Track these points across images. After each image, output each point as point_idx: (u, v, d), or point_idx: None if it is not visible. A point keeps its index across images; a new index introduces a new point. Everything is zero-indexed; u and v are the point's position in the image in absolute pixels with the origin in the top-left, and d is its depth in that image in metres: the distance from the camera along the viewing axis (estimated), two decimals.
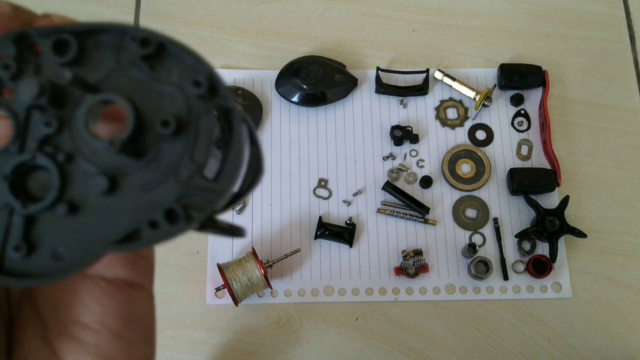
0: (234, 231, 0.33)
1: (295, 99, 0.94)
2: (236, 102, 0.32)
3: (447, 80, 0.96)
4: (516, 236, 0.89)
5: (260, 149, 0.35)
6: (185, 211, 0.31)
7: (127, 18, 1.00)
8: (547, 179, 0.90)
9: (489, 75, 0.98)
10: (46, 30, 0.32)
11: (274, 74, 0.96)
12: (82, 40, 0.32)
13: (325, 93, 0.93)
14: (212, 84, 0.32)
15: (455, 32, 1.01)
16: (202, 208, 0.32)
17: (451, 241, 0.90)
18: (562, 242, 0.89)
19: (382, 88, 0.95)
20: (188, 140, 0.32)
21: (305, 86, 0.93)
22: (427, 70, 0.95)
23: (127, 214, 0.32)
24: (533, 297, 0.88)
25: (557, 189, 0.91)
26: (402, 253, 0.88)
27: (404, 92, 0.95)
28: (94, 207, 0.32)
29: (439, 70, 0.96)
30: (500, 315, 0.87)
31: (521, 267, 0.88)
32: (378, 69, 0.95)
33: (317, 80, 0.93)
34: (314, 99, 0.94)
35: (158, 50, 0.32)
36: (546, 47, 1.01)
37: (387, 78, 0.97)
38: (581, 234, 0.88)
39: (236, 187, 0.33)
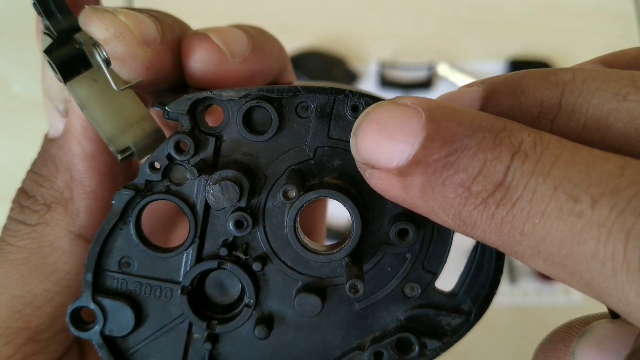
0: None
1: None
2: None
3: (452, 74, 0.93)
4: None
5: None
6: (419, 339, 0.25)
7: None
8: None
9: (494, 69, 0.95)
10: (235, 95, 0.24)
11: None
12: (279, 106, 0.25)
13: None
14: None
15: (462, 25, 0.98)
16: (439, 333, 0.26)
17: (456, 244, 0.86)
18: None
19: (385, 83, 0.92)
20: (422, 243, 0.25)
21: (305, 81, 0.90)
22: (432, 65, 0.92)
23: (336, 337, 0.26)
24: (542, 302, 0.84)
25: None
26: None
27: (407, 87, 0.92)
28: (293, 325, 0.26)
29: (444, 64, 0.93)
30: (508, 321, 0.84)
31: (529, 270, 0.85)
32: (380, 64, 0.92)
33: (318, 75, 0.90)
34: None
35: None
36: (555, 41, 0.98)
37: (390, 73, 0.94)
38: None
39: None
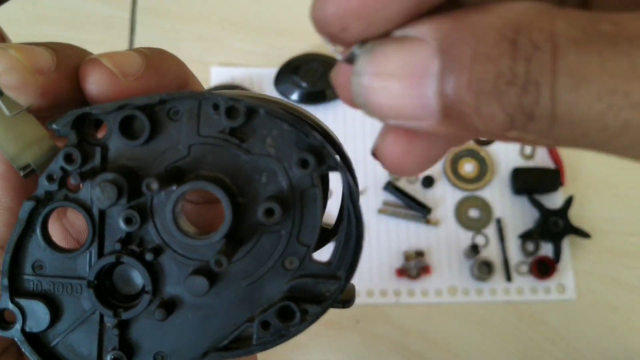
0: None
1: (294, 97, 0.92)
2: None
3: None
4: (519, 237, 0.88)
5: (361, 218, 0.29)
6: (299, 306, 0.28)
7: (123, 15, 0.98)
8: (550, 178, 0.88)
9: None
10: (110, 108, 0.27)
11: (273, 71, 0.94)
12: (152, 113, 0.28)
13: (324, 91, 0.92)
14: (319, 155, 0.27)
15: None
16: (319, 299, 0.28)
17: (453, 242, 0.88)
18: (566, 243, 0.88)
19: None
20: (293, 220, 0.28)
21: (304, 84, 0.91)
22: None
23: (230, 314, 0.28)
24: (536, 299, 0.86)
25: (561, 188, 0.90)
26: (404, 254, 0.87)
27: None
28: (191, 306, 0.29)
29: None
30: (504, 318, 0.86)
31: (524, 268, 0.87)
32: None
33: (317, 78, 0.91)
34: (313, 96, 0.92)
35: (247, 119, 0.27)
36: None
37: None
38: (585, 235, 0.87)
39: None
